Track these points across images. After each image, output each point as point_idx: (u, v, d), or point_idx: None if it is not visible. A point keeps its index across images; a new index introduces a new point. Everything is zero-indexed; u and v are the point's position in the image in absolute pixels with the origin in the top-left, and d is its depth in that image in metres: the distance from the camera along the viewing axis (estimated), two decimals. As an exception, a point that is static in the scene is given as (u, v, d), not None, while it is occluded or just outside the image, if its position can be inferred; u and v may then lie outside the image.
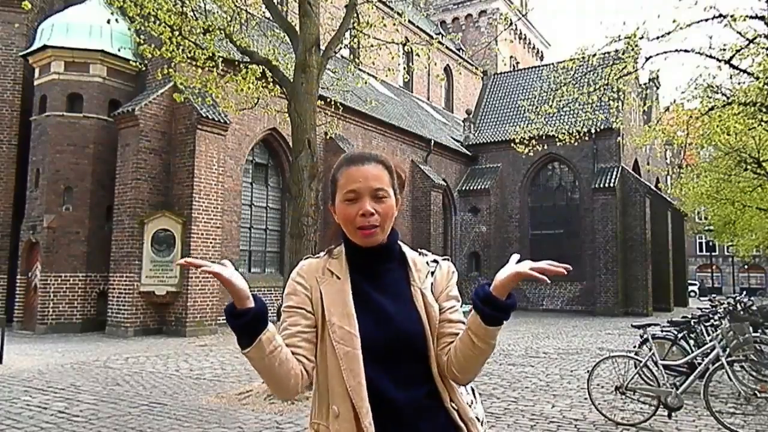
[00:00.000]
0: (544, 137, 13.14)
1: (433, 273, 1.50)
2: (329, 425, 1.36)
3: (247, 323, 1.27)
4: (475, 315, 1.34)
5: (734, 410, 5.96)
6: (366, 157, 1.45)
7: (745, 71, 9.49)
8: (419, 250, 1.57)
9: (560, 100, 10.52)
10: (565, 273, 1.28)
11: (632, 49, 9.58)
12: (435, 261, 1.53)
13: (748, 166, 14.76)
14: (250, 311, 1.27)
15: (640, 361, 5.77)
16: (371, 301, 1.41)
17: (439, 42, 10.58)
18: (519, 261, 1.36)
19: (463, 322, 1.44)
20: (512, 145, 12.92)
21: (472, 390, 1.57)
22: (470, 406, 1.48)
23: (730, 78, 10.46)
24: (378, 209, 1.40)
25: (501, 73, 29.71)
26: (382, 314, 1.40)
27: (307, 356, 1.39)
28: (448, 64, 31.22)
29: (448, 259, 1.58)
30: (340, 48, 9.59)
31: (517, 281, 1.32)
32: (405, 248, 1.52)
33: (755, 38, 8.84)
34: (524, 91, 25.25)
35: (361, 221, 1.39)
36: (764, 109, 9.68)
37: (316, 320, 1.41)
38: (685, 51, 8.99)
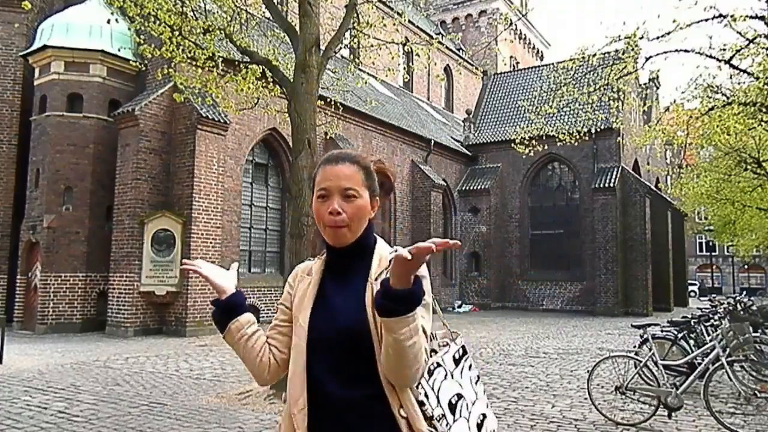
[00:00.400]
0: (544, 137, 13.15)
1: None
2: (285, 407, 1.48)
3: (220, 312, 1.52)
4: None
5: (734, 410, 5.96)
6: (341, 156, 1.48)
7: (745, 71, 9.50)
8: (395, 246, 1.46)
9: (560, 100, 10.52)
10: (458, 246, 1.25)
11: (632, 49, 9.58)
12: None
13: (748, 166, 14.76)
14: (221, 303, 1.52)
15: (640, 361, 5.77)
16: (328, 297, 1.46)
17: (439, 42, 10.57)
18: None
19: None
20: (512, 145, 12.92)
21: (485, 403, 1.56)
22: (437, 420, 1.39)
23: (730, 78, 10.48)
24: (346, 209, 1.42)
25: (501, 73, 29.71)
26: (332, 310, 1.43)
27: (278, 347, 1.53)
28: (448, 64, 31.22)
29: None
30: (340, 48, 9.59)
31: (405, 268, 1.21)
32: (380, 245, 1.51)
33: (755, 38, 8.84)
34: (524, 91, 25.25)
35: (329, 219, 1.42)
36: (764, 109, 9.68)
37: (291, 316, 1.53)
38: (685, 51, 8.99)
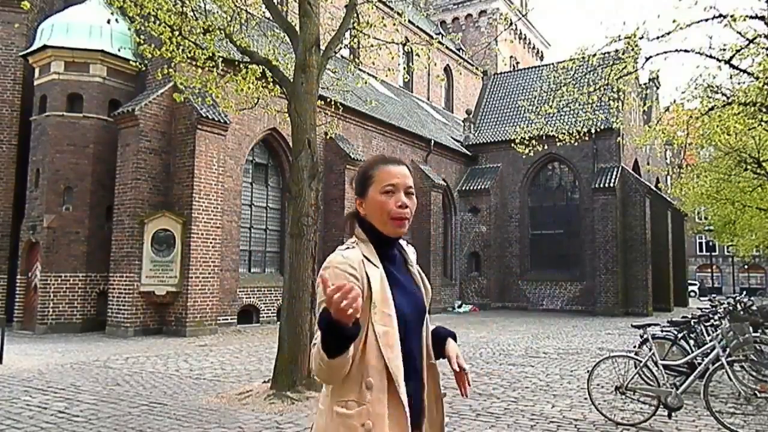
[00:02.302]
0: (544, 137, 13.14)
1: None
2: (361, 397, 1.49)
3: (345, 339, 1.39)
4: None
5: (734, 410, 5.96)
6: (400, 160, 1.71)
7: (745, 71, 9.49)
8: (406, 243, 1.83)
9: (560, 100, 10.51)
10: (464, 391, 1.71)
11: (632, 49, 9.58)
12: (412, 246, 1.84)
13: (748, 166, 14.76)
14: (352, 331, 1.37)
15: (640, 361, 5.77)
16: (399, 283, 1.62)
17: (439, 42, 10.58)
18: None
19: None
20: (512, 145, 12.91)
21: None
22: None
23: (730, 78, 10.46)
24: (409, 204, 1.63)
25: (501, 73, 29.70)
26: (408, 294, 1.64)
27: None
28: (448, 64, 31.23)
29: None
30: (340, 48, 9.59)
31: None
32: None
33: (755, 38, 8.84)
34: (524, 91, 25.26)
35: (397, 212, 1.60)
36: (764, 109, 9.67)
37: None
38: (685, 51, 8.98)
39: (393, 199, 1.60)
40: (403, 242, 1.75)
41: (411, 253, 1.78)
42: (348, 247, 1.61)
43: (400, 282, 1.63)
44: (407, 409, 1.51)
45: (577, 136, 11.56)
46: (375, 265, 1.58)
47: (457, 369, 1.66)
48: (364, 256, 1.58)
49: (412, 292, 1.66)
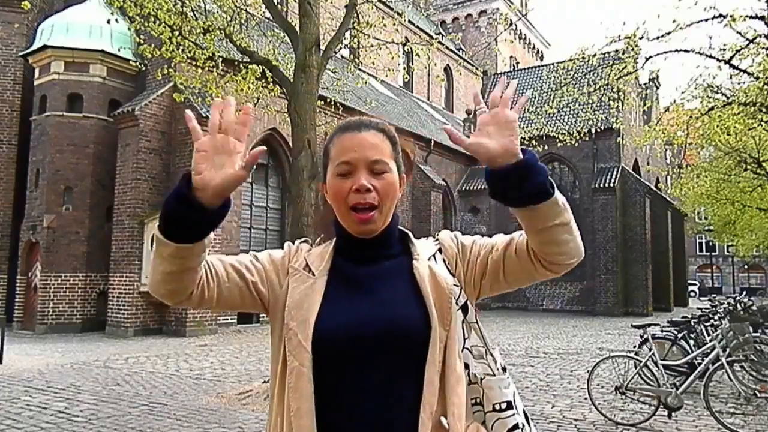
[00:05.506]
0: (544, 137, 13.15)
1: (441, 250, 1.24)
2: None
3: (201, 215, 0.97)
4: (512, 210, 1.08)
5: (734, 410, 5.96)
6: (364, 123, 1.18)
7: (745, 71, 9.50)
8: (432, 236, 1.32)
9: (560, 100, 10.53)
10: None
11: (632, 49, 9.59)
12: (436, 239, 1.28)
13: (748, 166, 14.77)
14: (215, 209, 0.99)
15: (640, 361, 5.77)
16: (354, 294, 1.13)
17: (439, 42, 10.59)
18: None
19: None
20: (512, 145, 12.90)
21: (524, 417, 1.20)
22: (519, 429, 1.16)
23: (730, 78, 10.47)
24: (376, 185, 1.12)
25: (501, 73, 29.71)
26: (364, 307, 1.11)
27: (217, 275, 1.12)
28: (448, 64, 31.22)
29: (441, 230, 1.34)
30: (340, 48, 9.59)
31: (498, 123, 1.08)
32: (407, 232, 1.25)
33: (755, 38, 8.85)
34: (524, 91, 25.23)
35: (355, 198, 1.11)
36: (764, 109, 9.68)
37: (264, 305, 1.17)
38: (685, 51, 8.99)
39: (349, 183, 1.12)
40: (422, 239, 1.27)
41: (426, 247, 1.23)
42: (308, 243, 1.24)
43: (357, 292, 1.13)
44: None
45: (577, 136, 11.58)
46: (312, 272, 1.15)
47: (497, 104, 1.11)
48: (307, 257, 1.18)
49: (377, 305, 1.10)
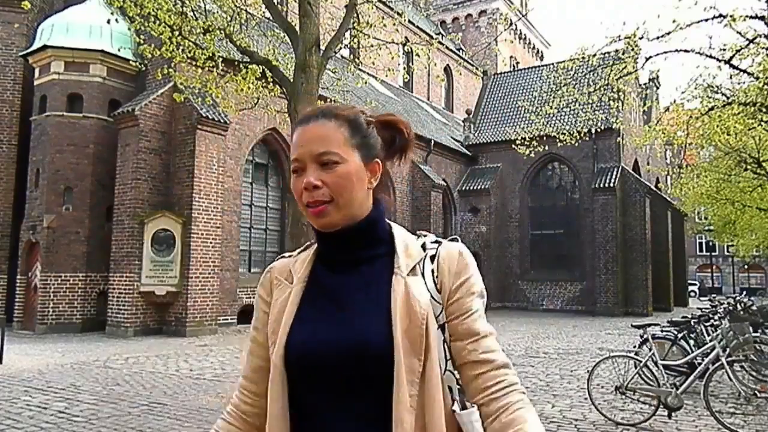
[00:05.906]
0: (544, 137, 13.15)
1: (433, 258, 1.11)
2: None
3: None
4: None
5: (734, 410, 5.96)
6: (314, 114, 1.10)
7: (745, 71, 9.49)
8: (417, 231, 1.19)
9: (560, 101, 10.52)
10: None
11: (632, 49, 9.59)
12: (437, 242, 1.15)
13: (748, 166, 14.77)
14: None
15: (640, 361, 5.78)
16: (320, 305, 1.08)
17: (439, 42, 10.58)
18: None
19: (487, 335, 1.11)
20: (512, 145, 12.92)
21: None
22: None
23: (730, 78, 10.47)
24: (326, 179, 1.05)
25: (501, 73, 29.70)
26: (328, 323, 1.05)
27: (254, 402, 1.14)
28: (448, 64, 31.22)
29: (458, 240, 1.18)
30: (340, 48, 9.58)
31: None
32: (399, 230, 1.14)
33: (755, 38, 8.84)
34: (524, 91, 25.24)
35: (306, 197, 1.06)
36: (764, 109, 9.68)
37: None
38: (685, 51, 8.99)
39: (300, 181, 1.07)
40: (410, 237, 1.14)
41: (403, 249, 1.10)
42: (292, 254, 1.20)
43: (327, 306, 1.07)
44: None
45: (578, 137, 11.57)
46: (292, 279, 1.12)
47: None
48: (291, 267, 1.15)
49: (344, 324, 1.03)
